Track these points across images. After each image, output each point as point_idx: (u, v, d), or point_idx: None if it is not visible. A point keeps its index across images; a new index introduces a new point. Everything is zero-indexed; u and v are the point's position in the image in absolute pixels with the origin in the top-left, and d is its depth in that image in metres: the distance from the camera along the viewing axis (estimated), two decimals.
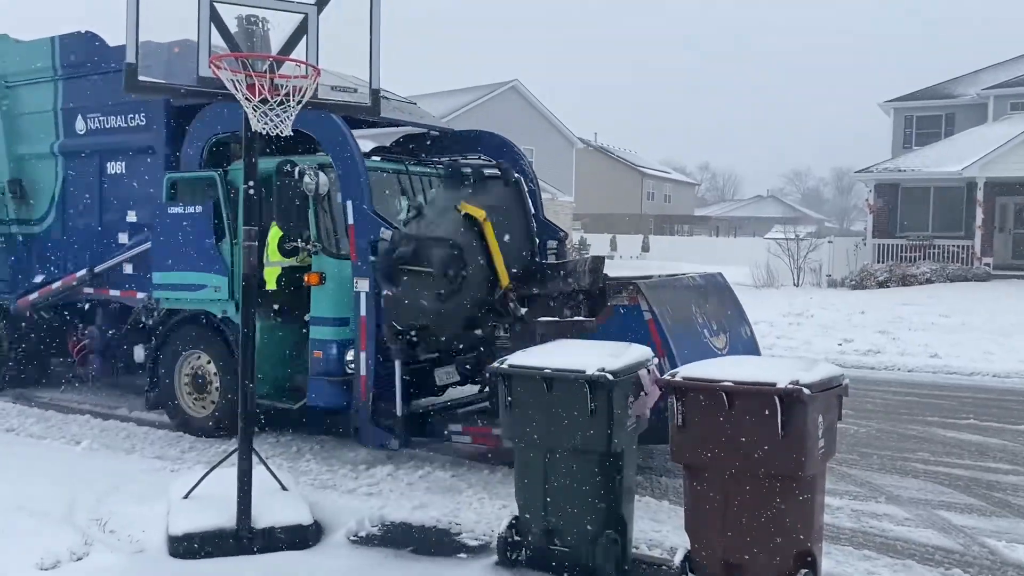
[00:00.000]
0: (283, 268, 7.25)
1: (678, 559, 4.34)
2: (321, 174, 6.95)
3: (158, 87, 4.91)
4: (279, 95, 4.77)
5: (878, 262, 26.18)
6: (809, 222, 56.99)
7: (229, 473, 5.23)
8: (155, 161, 8.30)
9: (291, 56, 4.91)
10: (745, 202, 79.24)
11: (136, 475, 6.55)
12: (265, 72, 4.77)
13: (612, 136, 69.78)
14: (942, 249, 25.76)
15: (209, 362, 7.95)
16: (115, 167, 8.71)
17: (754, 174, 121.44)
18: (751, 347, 7.49)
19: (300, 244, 7.07)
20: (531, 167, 8.84)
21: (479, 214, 7.00)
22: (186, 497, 5.36)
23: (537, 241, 8.18)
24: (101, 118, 8.71)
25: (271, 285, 7.36)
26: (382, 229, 6.83)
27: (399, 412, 6.67)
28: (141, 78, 4.65)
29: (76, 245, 9.10)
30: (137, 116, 8.43)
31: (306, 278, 7.15)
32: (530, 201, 8.72)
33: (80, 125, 8.90)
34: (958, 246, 25.66)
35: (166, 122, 8.19)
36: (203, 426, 7.93)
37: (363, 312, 6.83)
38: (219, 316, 7.79)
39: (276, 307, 7.54)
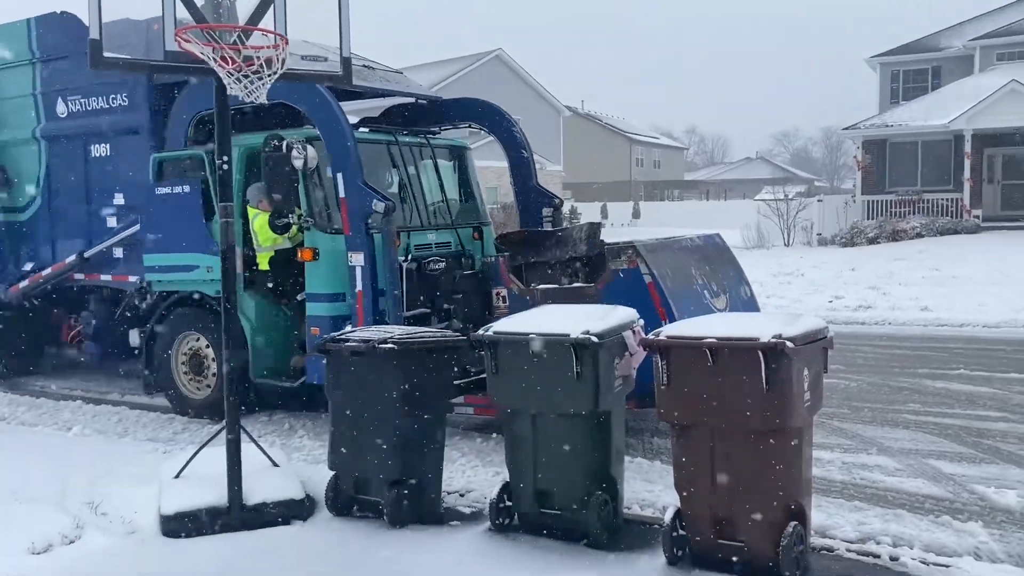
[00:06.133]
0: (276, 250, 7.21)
1: (668, 517, 4.35)
2: (309, 147, 6.81)
3: (124, 63, 4.81)
4: (252, 66, 4.70)
5: (868, 219, 26.19)
6: (799, 182, 56.85)
7: (221, 452, 5.21)
8: (140, 142, 8.16)
9: (259, 26, 4.82)
10: (734, 165, 78.98)
11: (129, 458, 6.53)
12: (234, 44, 4.69)
13: (599, 103, 69.31)
14: (931, 203, 25.76)
15: (201, 340, 7.88)
16: (99, 150, 8.58)
17: (742, 136, 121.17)
18: (751, 307, 7.43)
19: (292, 220, 7.00)
20: (523, 134, 8.70)
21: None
22: (177, 477, 5.34)
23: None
24: (82, 100, 8.57)
25: (264, 266, 7.29)
26: (374, 201, 6.73)
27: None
28: (106, 54, 4.57)
29: (64, 231, 8.99)
30: (119, 97, 8.29)
31: (299, 254, 7.07)
32: (525, 167, 8.61)
33: (61, 108, 8.76)
34: (947, 199, 25.67)
35: (149, 102, 8.04)
36: (202, 407, 7.87)
37: (359, 286, 6.76)
38: (213, 296, 7.68)
39: (271, 285, 7.47)
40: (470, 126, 8.95)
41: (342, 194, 6.84)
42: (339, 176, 6.85)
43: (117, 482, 5.77)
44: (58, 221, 9.06)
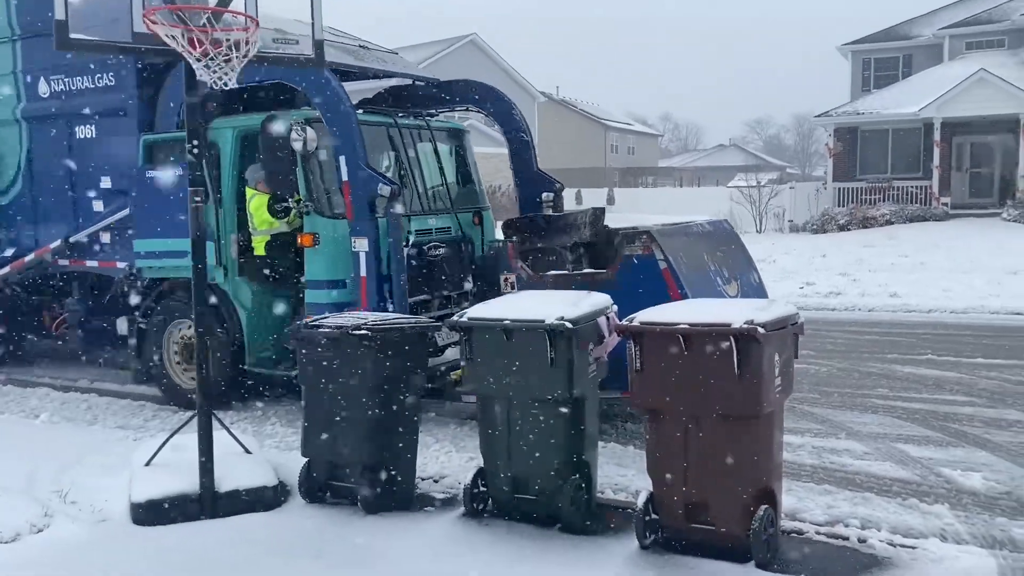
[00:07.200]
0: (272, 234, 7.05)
1: (641, 501, 4.38)
2: (309, 129, 6.59)
3: (91, 44, 4.71)
4: (220, 49, 4.62)
5: (839, 206, 26.45)
6: (771, 169, 57.18)
7: (192, 439, 5.16)
8: (128, 123, 7.90)
9: (229, 8, 4.74)
10: (708, 152, 79.30)
11: (98, 446, 6.46)
12: (204, 26, 4.61)
13: (573, 89, 69.12)
14: (901, 190, 26.06)
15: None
16: (84, 131, 8.28)
17: (716, 123, 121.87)
18: (760, 294, 7.31)
19: (291, 204, 6.82)
20: (523, 117, 8.51)
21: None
22: (148, 464, 5.30)
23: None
24: (66, 80, 8.26)
25: (260, 251, 7.12)
26: (380, 185, 6.56)
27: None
28: (73, 35, 4.47)
29: (47, 215, 8.69)
30: (105, 76, 7.98)
31: (299, 239, 6.90)
32: (525, 151, 8.38)
33: (43, 88, 8.45)
34: (917, 187, 25.98)
35: (137, 82, 7.77)
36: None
37: (363, 272, 6.62)
38: (208, 283, 7.47)
39: (268, 272, 7.30)
40: (468, 108, 8.71)
41: (345, 178, 6.64)
42: (341, 159, 6.65)
43: (87, 470, 5.72)
44: (41, 205, 8.74)
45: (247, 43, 4.70)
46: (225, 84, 4.65)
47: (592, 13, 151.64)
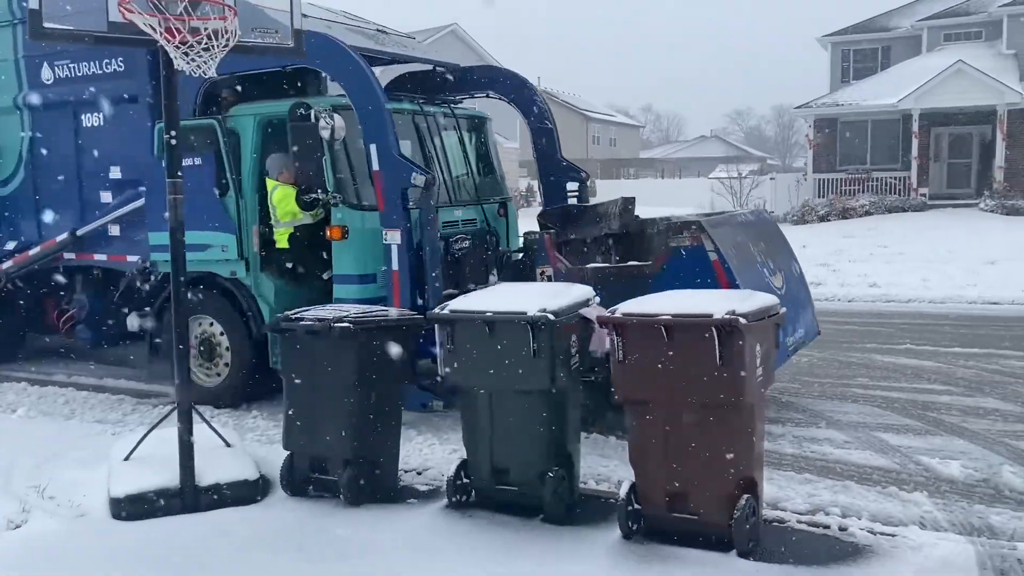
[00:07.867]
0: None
1: (623, 491, 4.39)
2: (337, 116, 6.31)
3: (66, 34, 4.64)
4: (199, 37, 4.57)
5: (819, 197, 26.62)
6: (752, 160, 57.42)
7: (172, 433, 5.12)
8: (139, 111, 7.59)
9: None
10: (689, 143, 79.47)
11: (76, 440, 6.41)
12: (181, 14, 4.56)
13: (555, 80, 68.81)
14: (880, 181, 26.26)
15: (214, 325, 7.39)
16: (92, 119, 7.96)
17: (697, 115, 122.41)
18: (801, 285, 7.25)
19: (319, 195, 6.59)
20: (547, 105, 8.34)
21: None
22: (127, 459, 5.25)
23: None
24: (71, 65, 7.93)
25: (282, 244, 6.92)
26: (414, 174, 6.32)
27: (440, 371, 6.09)
28: (47, 24, 4.40)
29: (52, 207, 8.38)
30: (114, 61, 7.66)
31: (328, 232, 6.66)
32: (549, 140, 8.25)
33: (47, 74, 8.12)
34: (896, 178, 26.19)
35: (149, 66, 7.22)
36: (214, 395, 7.31)
37: (395, 266, 6.39)
38: (227, 277, 7.22)
39: (291, 266, 7.09)
40: (488, 95, 8.46)
41: (376, 167, 6.38)
42: (372, 148, 6.39)
43: (65, 465, 5.65)
44: (44, 197, 8.43)
45: (226, 32, 4.65)
46: (204, 73, 4.60)
47: (574, 4, 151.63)
